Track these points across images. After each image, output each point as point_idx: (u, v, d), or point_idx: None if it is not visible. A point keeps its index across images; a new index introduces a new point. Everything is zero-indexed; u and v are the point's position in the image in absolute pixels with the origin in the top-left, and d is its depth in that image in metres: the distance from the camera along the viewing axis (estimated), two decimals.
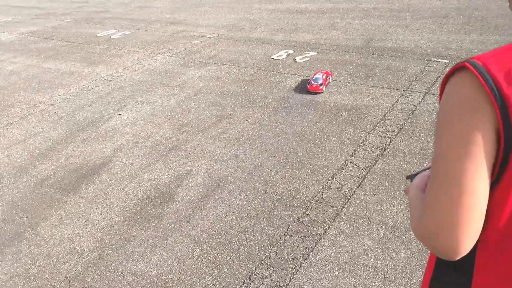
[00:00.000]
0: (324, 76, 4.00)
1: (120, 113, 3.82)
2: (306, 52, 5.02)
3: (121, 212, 2.56)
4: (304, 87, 4.01)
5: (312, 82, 3.95)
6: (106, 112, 3.85)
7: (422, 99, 3.63)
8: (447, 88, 0.69)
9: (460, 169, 0.64)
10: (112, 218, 2.52)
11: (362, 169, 2.76)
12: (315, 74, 4.08)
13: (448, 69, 4.19)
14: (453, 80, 0.68)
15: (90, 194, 2.75)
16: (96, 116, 3.80)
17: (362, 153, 2.94)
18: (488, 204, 0.66)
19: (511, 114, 0.61)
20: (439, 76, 4.06)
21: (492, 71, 0.63)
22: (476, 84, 0.63)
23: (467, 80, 0.65)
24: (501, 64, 0.63)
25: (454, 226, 0.65)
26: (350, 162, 2.85)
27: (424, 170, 0.94)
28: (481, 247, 0.72)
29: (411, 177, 0.97)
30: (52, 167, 3.09)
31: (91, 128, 3.59)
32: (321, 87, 3.90)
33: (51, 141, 3.45)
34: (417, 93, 3.76)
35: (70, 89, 4.41)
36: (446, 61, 4.42)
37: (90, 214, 2.57)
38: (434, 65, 4.34)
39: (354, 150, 2.98)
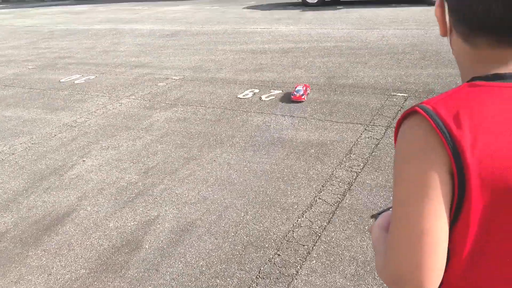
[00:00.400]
0: (304, 88, 4.76)
1: (84, 159, 3.73)
2: (271, 91, 5.12)
3: (86, 264, 2.45)
4: (275, 122, 4.06)
5: (295, 93, 4.70)
6: (70, 159, 3.76)
7: (384, 133, 3.73)
8: (400, 133, 0.71)
9: (419, 212, 0.66)
10: (77, 271, 2.40)
11: (331, 205, 2.78)
12: (296, 86, 4.83)
13: (407, 102, 4.36)
14: (405, 125, 0.70)
15: (53, 246, 2.63)
16: (60, 163, 3.70)
17: (330, 188, 2.97)
18: (448, 245, 0.67)
19: (462, 156, 0.63)
20: (400, 110, 4.20)
21: (441, 114, 0.65)
22: (427, 128, 0.66)
23: (418, 124, 0.67)
24: (450, 108, 0.66)
25: (417, 268, 0.65)
26: (319, 198, 2.87)
27: (388, 209, 0.95)
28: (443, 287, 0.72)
29: (375, 216, 0.98)
30: (12, 219, 2.95)
31: (54, 177, 3.48)
32: (303, 97, 4.64)
33: (11, 192, 3.31)
34: (379, 127, 3.87)
35: (32, 137, 4.30)
36: (405, 95, 4.60)
37: (53, 267, 2.45)
38: (394, 99, 4.50)
39: (323, 186, 3.00)
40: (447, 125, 0.64)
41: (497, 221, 0.66)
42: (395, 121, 3.96)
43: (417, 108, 0.67)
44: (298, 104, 4.59)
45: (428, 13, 9.15)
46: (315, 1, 11.98)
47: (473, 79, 0.70)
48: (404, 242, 0.67)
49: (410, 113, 0.69)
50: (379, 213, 0.96)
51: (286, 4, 13.29)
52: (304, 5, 12.20)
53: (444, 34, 0.78)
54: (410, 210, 0.67)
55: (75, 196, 3.17)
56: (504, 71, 0.68)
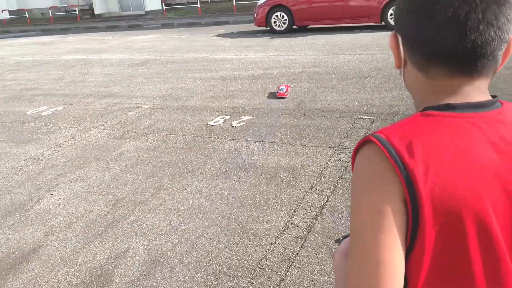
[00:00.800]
0: (285, 87, 5.97)
1: (51, 193, 3.64)
2: (242, 117, 5.16)
3: None
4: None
5: (279, 91, 5.84)
6: (37, 193, 3.65)
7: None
8: (356, 162, 0.73)
9: (374, 241, 0.66)
10: None
11: (303, 230, 2.79)
12: (280, 86, 6.07)
13: (374, 125, 4.48)
14: (360, 154, 0.72)
15: (18, 286, 2.53)
16: (25, 198, 3.59)
17: (302, 213, 2.98)
18: (405, 272, 0.69)
19: (415, 185, 0.65)
20: (367, 132, 4.31)
21: (394, 144, 0.67)
22: (381, 157, 0.67)
23: (373, 153, 0.69)
24: (403, 137, 0.68)
25: None
26: (291, 223, 2.87)
27: None
28: None
29: (338, 241, 0.99)
30: None
31: (20, 212, 3.37)
32: (286, 93, 5.80)
33: None
34: (348, 149, 3.95)
35: None
36: (371, 117, 4.72)
37: None
38: (361, 122, 4.61)
39: (294, 211, 3.02)
40: (400, 154, 0.66)
41: (450, 249, 0.67)
42: None
43: (371, 137, 0.69)
44: (269, 128, 4.64)
45: None
46: (283, 29, 12.29)
47: (426, 108, 0.72)
48: (361, 271, 0.67)
49: (364, 142, 0.71)
50: (344, 237, 0.98)
51: (254, 32, 13.57)
52: (272, 33, 12.48)
53: (398, 66, 0.79)
54: (366, 239, 0.67)
55: (41, 231, 3.07)
56: (455, 101, 0.71)
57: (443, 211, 0.65)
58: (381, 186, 0.67)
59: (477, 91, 0.73)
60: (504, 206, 0.68)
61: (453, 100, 0.71)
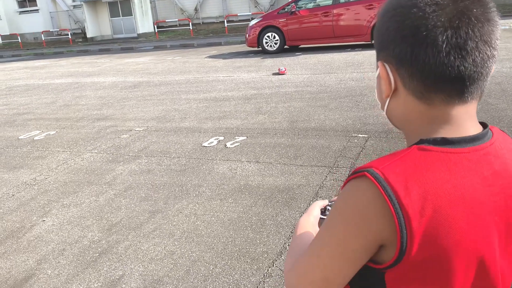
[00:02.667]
0: (284, 68, 9.09)
1: (44, 219, 3.58)
2: (236, 137, 5.16)
3: None
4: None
5: (280, 69, 9.05)
6: (29, 220, 3.59)
7: (348, 174, 3.79)
8: (347, 190, 0.71)
9: (329, 260, 0.71)
10: None
11: None
12: (279, 68, 9.23)
13: (368, 143, 4.49)
14: (352, 185, 0.70)
15: None
16: (18, 225, 3.52)
17: None
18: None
19: (408, 225, 0.64)
20: (362, 150, 4.31)
21: (390, 181, 0.65)
22: (374, 194, 0.66)
23: (366, 188, 0.67)
24: (398, 174, 0.66)
25: None
26: (289, 245, 2.84)
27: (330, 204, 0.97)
28: None
29: (322, 211, 0.98)
30: None
31: (11, 240, 3.30)
32: (285, 71, 8.86)
33: None
34: (343, 168, 3.94)
35: None
36: (365, 135, 4.74)
37: None
38: (355, 140, 4.62)
39: (291, 232, 2.98)
40: (395, 192, 0.64)
41: (433, 281, 0.70)
42: (358, 161, 4.05)
43: (366, 173, 0.67)
44: (263, 148, 4.63)
45: None
46: (275, 49, 12.42)
47: (422, 142, 0.70)
48: (310, 275, 0.72)
49: (359, 176, 0.68)
50: (328, 205, 0.98)
51: (246, 52, 13.70)
52: (264, 53, 12.61)
53: (388, 95, 0.75)
54: (326, 254, 0.71)
55: (34, 259, 3.00)
56: (452, 135, 0.70)
57: (433, 250, 0.66)
58: (364, 224, 0.67)
59: (470, 117, 0.72)
60: (499, 242, 0.71)
61: (448, 132, 0.70)
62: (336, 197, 1.01)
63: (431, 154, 0.68)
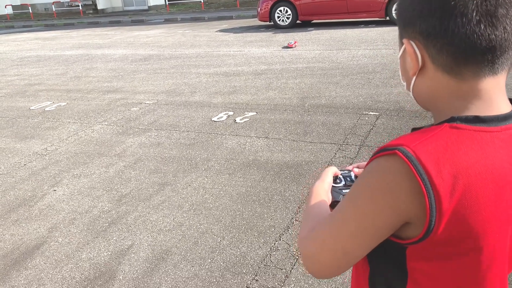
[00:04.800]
0: (294, 42, 9.28)
1: (55, 189, 3.63)
2: (246, 113, 5.14)
3: None
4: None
5: (289, 43, 9.22)
6: (40, 189, 3.65)
7: (358, 152, 3.78)
8: (376, 166, 0.68)
9: (350, 235, 0.71)
10: None
11: None
12: (288, 42, 9.36)
13: (379, 121, 4.44)
14: (381, 162, 0.67)
15: (22, 281, 2.52)
16: (29, 194, 3.58)
17: None
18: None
19: (438, 205, 0.63)
20: (372, 128, 4.28)
21: (422, 160, 0.63)
22: (405, 173, 0.64)
23: (398, 167, 0.65)
24: (430, 153, 0.64)
25: (324, 265, 0.74)
26: (296, 220, 2.86)
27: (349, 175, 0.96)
28: None
29: (335, 179, 0.97)
30: None
31: (23, 208, 3.36)
32: (293, 45, 9.10)
33: None
34: (353, 146, 3.92)
35: (0, 167, 4.16)
36: (376, 113, 4.69)
37: None
38: (366, 118, 4.58)
39: (299, 207, 3.00)
40: (427, 172, 0.63)
41: (459, 267, 0.70)
42: (368, 139, 4.02)
43: (397, 152, 0.65)
44: (273, 124, 4.61)
45: (396, 33, 9.43)
46: (287, 24, 12.23)
47: (453, 119, 0.68)
48: (329, 246, 0.73)
49: (389, 155, 0.66)
50: (341, 174, 0.97)
51: (258, 26, 13.51)
52: (276, 27, 12.42)
53: (414, 73, 0.73)
54: (348, 229, 0.70)
55: (45, 227, 3.06)
56: (483, 112, 0.68)
57: (460, 229, 0.66)
58: (392, 202, 0.66)
59: (500, 91, 0.71)
60: None
61: (480, 108, 0.68)
62: (351, 166, 1.00)
63: (463, 133, 0.66)
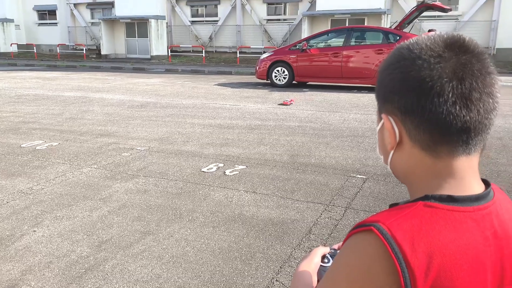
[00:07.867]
0: (290, 100, 9.54)
1: (35, 229, 3.56)
2: (236, 166, 5.17)
3: None
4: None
5: (284, 101, 9.58)
6: (19, 229, 3.57)
7: (343, 214, 3.79)
8: (351, 245, 0.70)
9: None
10: None
11: None
12: (284, 100, 9.72)
13: (366, 184, 4.49)
14: (357, 240, 0.68)
15: None
16: (8, 233, 3.51)
17: (288, 270, 2.92)
18: None
19: (413, 284, 0.64)
20: (358, 191, 4.31)
21: (397, 238, 0.65)
22: (380, 251, 0.65)
23: (372, 244, 0.66)
24: (405, 231, 0.65)
25: None
26: (277, 281, 2.81)
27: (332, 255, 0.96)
28: None
29: (324, 257, 0.97)
30: None
31: None
32: (289, 103, 9.33)
33: None
34: (339, 207, 3.93)
35: None
36: (364, 177, 4.75)
37: None
38: (353, 181, 4.62)
39: (280, 267, 2.95)
40: (402, 251, 0.64)
41: None
42: (354, 202, 4.04)
43: (373, 228, 0.66)
44: (262, 179, 4.63)
45: None
46: (283, 83, 12.61)
47: (427, 197, 0.69)
48: None
49: (364, 230, 0.68)
50: (329, 253, 0.96)
51: (255, 83, 13.90)
52: (272, 86, 12.79)
53: (392, 148, 0.75)
54: None
55: (19, 269, 2.97)
56: (457, 191, 0.70)
57: None
58: (367, 280, 0.66)
59: (473, 172, 0.73)
60: None
61: (453, 187, 0.70)
62: (337, 245, 0.99)
63: (437, 212, 0.68)
